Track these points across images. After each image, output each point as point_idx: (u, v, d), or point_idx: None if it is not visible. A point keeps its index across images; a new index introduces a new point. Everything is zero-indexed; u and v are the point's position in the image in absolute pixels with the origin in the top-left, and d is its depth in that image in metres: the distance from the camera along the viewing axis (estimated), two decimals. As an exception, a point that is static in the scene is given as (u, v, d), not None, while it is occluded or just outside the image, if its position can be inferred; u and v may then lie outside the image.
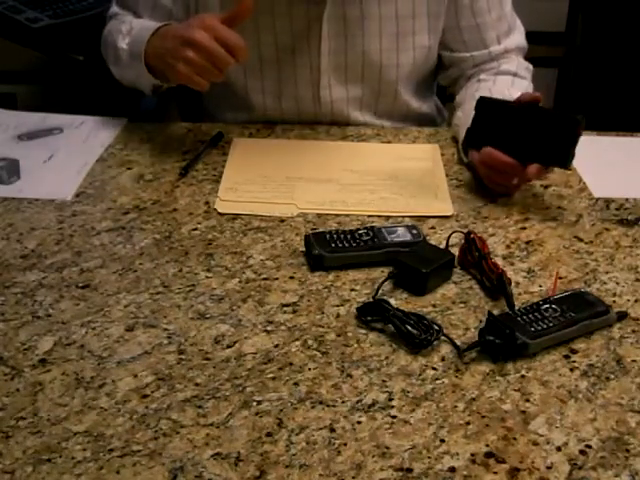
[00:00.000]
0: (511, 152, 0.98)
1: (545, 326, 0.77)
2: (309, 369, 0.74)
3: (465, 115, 1.13)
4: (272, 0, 1.14)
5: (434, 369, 0.75)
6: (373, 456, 0.65)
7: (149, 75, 1.13)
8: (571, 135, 0.96)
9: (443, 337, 0.78)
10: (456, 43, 1.24)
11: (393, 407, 0.70)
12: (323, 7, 1.14)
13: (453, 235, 0.91)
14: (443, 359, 0.76)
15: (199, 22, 1.01)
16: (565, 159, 0.97)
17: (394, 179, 1.08)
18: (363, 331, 0.80)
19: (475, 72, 1.25)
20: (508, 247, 0.94)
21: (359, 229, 0.92)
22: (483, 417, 0.69)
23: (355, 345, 0.78)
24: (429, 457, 0.65)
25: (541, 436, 0.67)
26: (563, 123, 0.96)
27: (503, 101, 1.04)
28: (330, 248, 0.89)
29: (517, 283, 0.87)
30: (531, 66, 1.27)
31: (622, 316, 0.82)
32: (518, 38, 1.26)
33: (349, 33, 1.17)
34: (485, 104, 1.03)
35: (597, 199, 1.05)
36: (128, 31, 1.16)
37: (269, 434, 0.67)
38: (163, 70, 1.07)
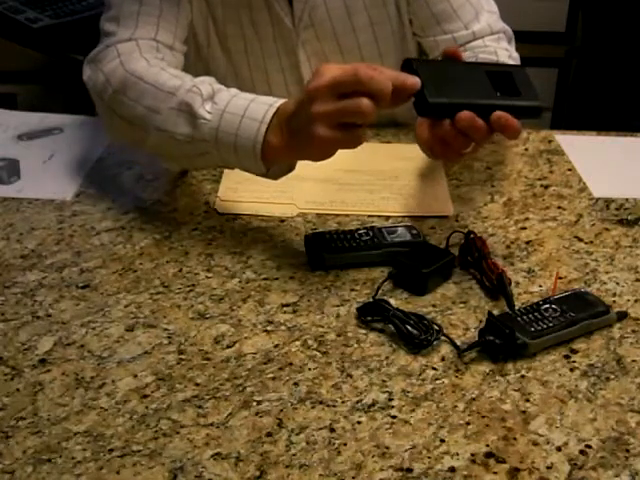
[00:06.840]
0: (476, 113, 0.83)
1: (545, 326, 0.77)
2: (309, 369, 0.74)
3: None
4: (256, 28, 1.13)
5: (434, 369, 0.75)
6: (373, 456, 0.65)
7: (261, 167, 0.88)
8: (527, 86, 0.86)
9: (443, 337, 0.78)
10: (418, 29, 1.18)
11: (393, 407, 0.70)
12: (296, 34, 1.13)
13: (453, 235, 0.91)
14: (443, 359, 0.76)
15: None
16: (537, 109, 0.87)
17: (394, 179, 1.08)
18: (363, 331, 0.80)
19: None
20: (508, 247, 0.94)
21: (359, 229, 0.92)
22: (483, 417, 0.69)
23: (355, 345, 0.78)
24: (429, 457, 0.65)
25: (541, 436, 0.67)
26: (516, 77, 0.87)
27: (436, 60, 0.90)
28: (330, 248, 0.89)
29: (517, 283, 0.87)
30: (515, 54, 1.16)
31: (622, 316, 0.82)
32: (487, 19, 1.15)
33: (328, 53, 1.15)
34: (419, 64, 0.84)
35: (597, 199, 1.05)
36: (210, 95, 0.88)
37: (269, 434, 0.67)
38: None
